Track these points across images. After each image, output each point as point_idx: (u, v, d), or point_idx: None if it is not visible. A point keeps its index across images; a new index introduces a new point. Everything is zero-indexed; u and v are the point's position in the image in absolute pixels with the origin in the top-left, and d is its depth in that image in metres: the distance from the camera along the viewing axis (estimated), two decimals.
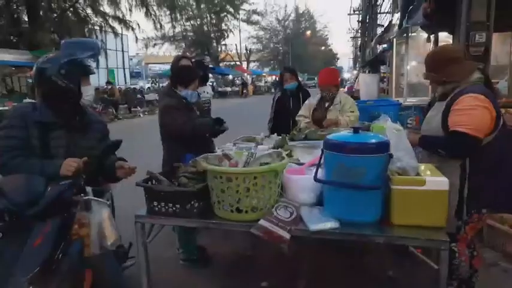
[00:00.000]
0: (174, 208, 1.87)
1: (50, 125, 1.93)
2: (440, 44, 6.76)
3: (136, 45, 31.18)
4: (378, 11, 21.29)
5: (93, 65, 2.09)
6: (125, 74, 34.55)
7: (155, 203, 1.92)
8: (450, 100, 2.06)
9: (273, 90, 33.69)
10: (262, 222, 1.73)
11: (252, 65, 48.25)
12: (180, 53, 21.82)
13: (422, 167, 1.83)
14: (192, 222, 1.92)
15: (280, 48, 49.35)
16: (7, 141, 1.86)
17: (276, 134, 3.26)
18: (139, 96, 19.29)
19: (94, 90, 2.20)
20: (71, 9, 17.39)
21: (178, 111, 2.86)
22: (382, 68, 14.61)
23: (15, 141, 1.86)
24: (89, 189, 1.80)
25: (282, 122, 4.09)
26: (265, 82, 41.86)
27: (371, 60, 17.10)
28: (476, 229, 2.17)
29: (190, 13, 32.79)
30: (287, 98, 4.21)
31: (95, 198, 1.78)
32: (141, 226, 1.97)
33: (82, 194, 1.78)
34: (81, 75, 2.00)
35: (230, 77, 36.73)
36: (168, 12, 24.22)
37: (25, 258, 1.51)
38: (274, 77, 44.72)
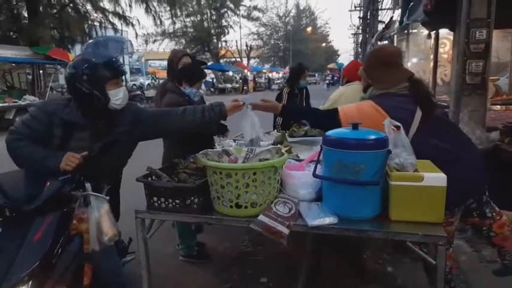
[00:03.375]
0: (174, 204, 1.88)
1: (75, 125, 1.94)
2: (441, 40, 6.74)
3: (136, 41, 31.06)
4: (379, 7, 21.22)
5: (121, 63, 2.00)
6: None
7: (155, 199, 1.92)
8: None
9: (273, 87, 33.63)
10: (261, 217, 1.74)
11: (252, 61, 48.11)
12: (178, 48, 21.68)
13: (421, 163, 1.84)
14: (192, 217, 1.92)
15: (281, 44, 49.22)
16: (23, 128, 1.90)
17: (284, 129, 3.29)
18: (139, 92, 19.22)
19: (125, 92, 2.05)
20: (71, 5, 17.32)
21: None
22: None
23: (30, 131, 1.89)
24: (88, 184, 1.80)
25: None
26: (266, 78, 41.65)
27: None
28: None
29: (191, 9, 32.70)
30: (295, 93, 4.40)
31: (94, 194, 1.79)
32: (141, 221, 1.98)
33: (81, 189, 1.79)
34: (109, 78, 1.93)
35: (230, 73, 36.61)
36: (168, 8, 24.12)
37: (25, 253, 1.52)
38: (274, 74, 44.64)
